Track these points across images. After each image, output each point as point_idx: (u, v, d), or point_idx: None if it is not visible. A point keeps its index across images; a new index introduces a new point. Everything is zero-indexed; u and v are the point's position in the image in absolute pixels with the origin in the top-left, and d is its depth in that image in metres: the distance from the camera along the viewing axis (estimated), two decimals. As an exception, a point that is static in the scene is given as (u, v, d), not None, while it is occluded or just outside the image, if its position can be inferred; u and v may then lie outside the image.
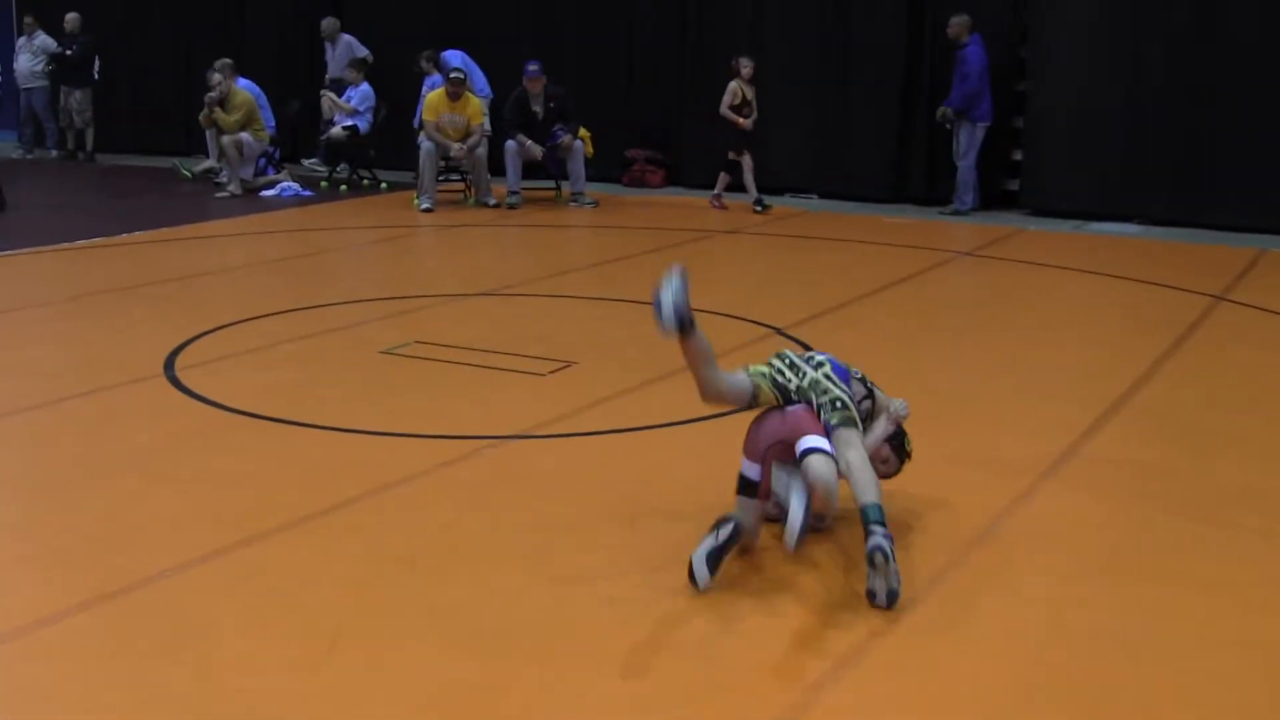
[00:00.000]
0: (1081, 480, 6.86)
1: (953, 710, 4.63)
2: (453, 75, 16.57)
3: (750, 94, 16.52)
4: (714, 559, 5.51)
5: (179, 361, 8.89)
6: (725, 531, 5.56)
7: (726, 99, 16.45)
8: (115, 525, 6.19)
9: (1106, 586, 5.62)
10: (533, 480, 6.78)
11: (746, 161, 16.54)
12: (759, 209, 16.33)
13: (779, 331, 9.92)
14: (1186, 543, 6.09)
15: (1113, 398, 8.23)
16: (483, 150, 16.73)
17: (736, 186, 16.77)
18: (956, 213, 16.29)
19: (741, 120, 16.45)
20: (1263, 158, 14.85)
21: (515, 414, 7.86)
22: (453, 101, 16.58)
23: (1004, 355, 9.52)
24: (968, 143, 16.22)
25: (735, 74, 16.46)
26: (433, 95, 16.72)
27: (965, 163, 16.31)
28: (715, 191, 16.89)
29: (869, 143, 17.35)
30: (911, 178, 17.29)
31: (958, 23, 16.04)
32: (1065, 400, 8.25)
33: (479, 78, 18.40)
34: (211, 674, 4.79)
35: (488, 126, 17.78)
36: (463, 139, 16.61)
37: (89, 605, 5.31)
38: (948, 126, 16.28)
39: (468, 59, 18.33)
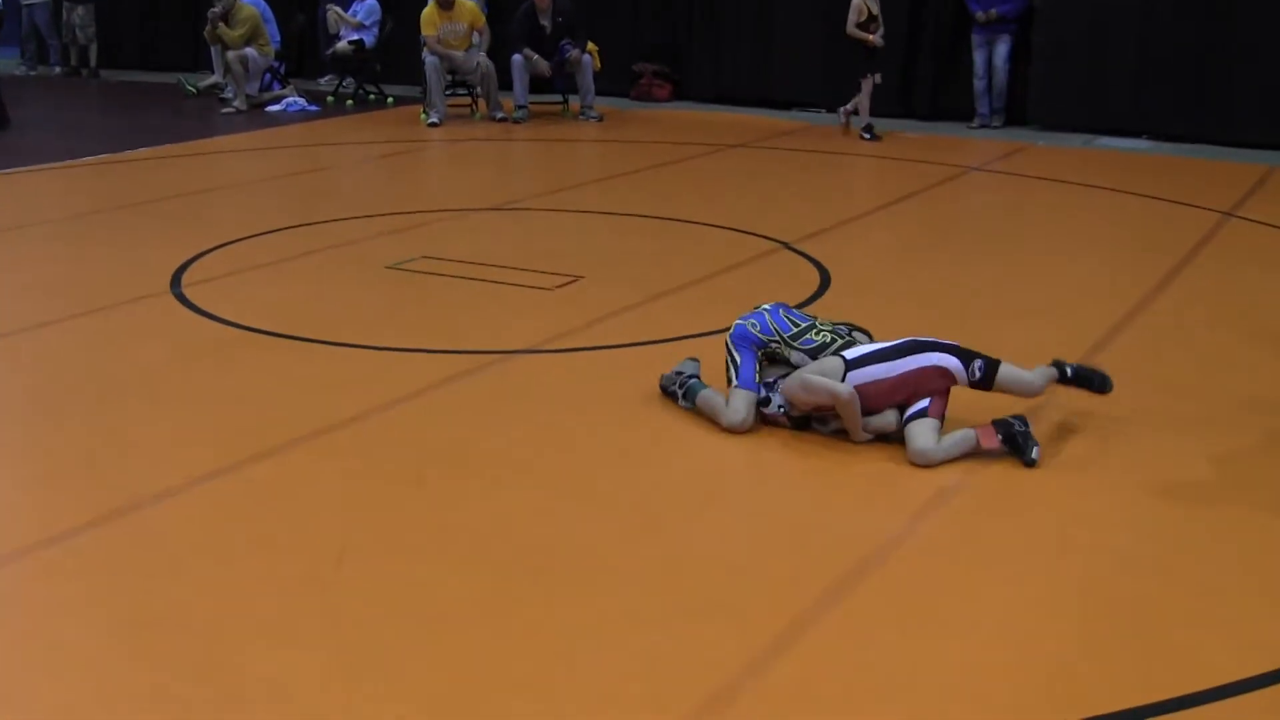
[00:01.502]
0: (1088, 395, 6.84)
1: (958, 630, 4.64)
2: None
3: (876, 8, 15.28)
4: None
5: (185, 278, 8.88)
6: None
7: (852, 16, 15.16)
8: (122, 443, 6.20)
9: (1111, 502, 5.62)
10: (540, 395, 6.78)
11: (868, 84, 15.26)
12: (866, 137, 15.26)
13: (787, 246, 9.89)
14: (1188, 456, 6.08)
15: (1119, 315, 8.21)
16: (492, 65, 16.62)
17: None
18: (986, 126, 16.24)
19: (870, 37, 15.17)
20: (1273, 74, 14.74)
21: (522, 329, 7.85)
22: (446, 10, 16.44)
23: (1011, 271, 9.49)
24: (1006, 55, 16.16)
25: None
26: (427, 10, 16.53)
27: (1004, 79, 16.27)
28: (860, 120, 15.49)
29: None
30: (919, 92, 17.18)
31: None
32: (1073, 317, 8.22)
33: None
34: (219, 591, 4.81)
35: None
36: (466, 46, 16.51)
37: (96, 524, 5.32)
38: (982, 19, 16.03)
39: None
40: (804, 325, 6.42)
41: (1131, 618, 4.69)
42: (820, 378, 6.07)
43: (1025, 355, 7.41)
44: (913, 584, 4.92)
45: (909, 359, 6.15)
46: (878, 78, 15.35)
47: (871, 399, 6.07)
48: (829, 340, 6.35)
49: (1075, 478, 5.86)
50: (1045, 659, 4.42)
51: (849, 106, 15.56)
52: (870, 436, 6.10)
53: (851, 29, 15.18)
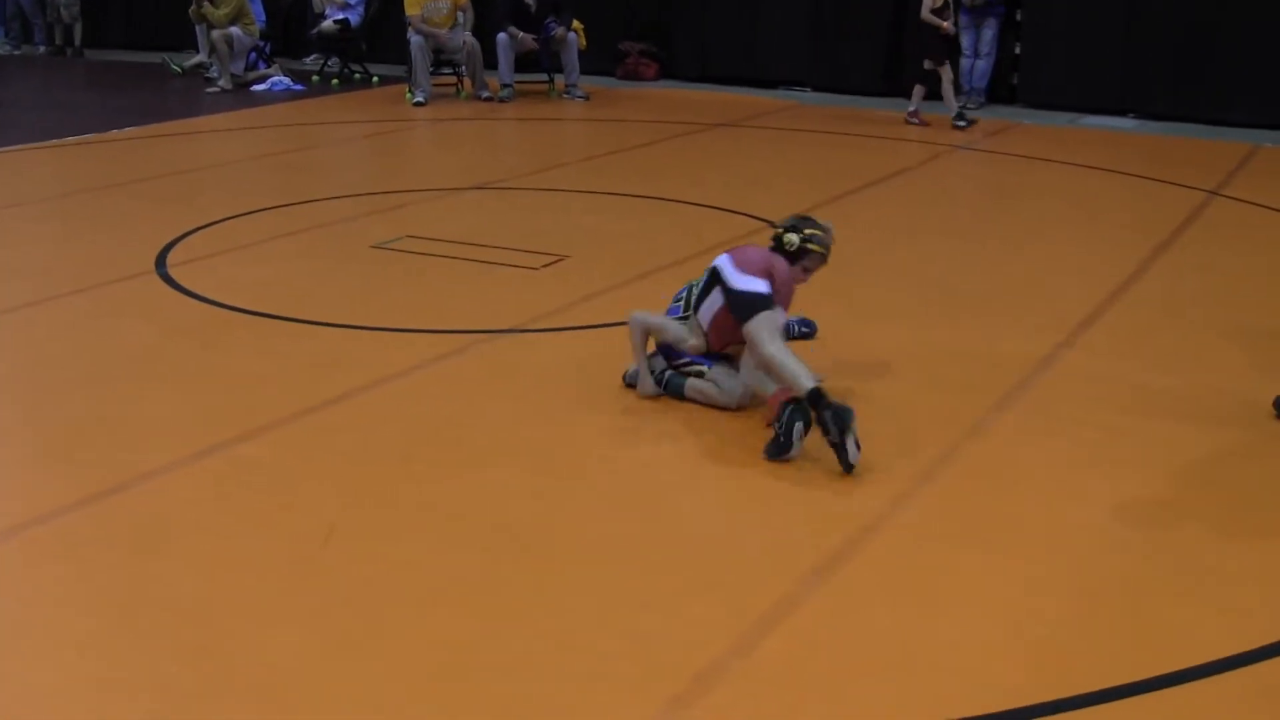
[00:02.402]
0: (1074, 374, 6.87)
1: (946, 606, 4.65)
2: None
3: None
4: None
5: (170, 258, 8.87)
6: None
7: (928, 2, 14.36)
8: (109, 423, 6.19)
9: (1099, 481, 5.64)
10: (526, 374, 6.78)
11: (946, 72, 14.54)
12: (960, 125, 14.53)
13: (772, 225, 9.84)
14: (1176, 437, 6.10)
15: (1105, 294, 8.23)
16: (477, 43, 16.59)
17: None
18: (967, 107, 16.16)
19: (945, 24, 14.39)
20: (1259, 52, 14.74)
21: (508, 308, 7.85)
22: None
23: (996, 250, 9.51)
24: (993, 36, 16.18)
25: None
26: None
27: (989, 60, 16.27)
28: (911, 107, 14.87)
29: (863, 35, 17.21)
30: (905, 71, 17.14)
31: None
32: (1059, 295, 8.24)
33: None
34: (207, 570, 4.81)
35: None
36: (450, 24, 16.47)
37: (84, 503, 5.33)
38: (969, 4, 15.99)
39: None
40: (682, 294, 6.60)
41: (1121, 596, 4.71)
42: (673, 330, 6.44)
43: (1010, 334, 7.45)
44: (900, 562, 4.94)
45: (716, 290, 6.30)
46: (948, 67, 14.58)
47: (725, 332, 6.28)
48: (683, 298, 6.58)
49: (1063, 456, 5.88)
50: (1034, 637, 4.43)
51: (912, 106, 14.85)
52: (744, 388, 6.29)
53: (926, 14, 14.43)
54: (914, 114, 14.80)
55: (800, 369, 5.77)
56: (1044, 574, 4.86)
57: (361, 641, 4.35)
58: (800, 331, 6.73)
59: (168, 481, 5.54)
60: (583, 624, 4.48)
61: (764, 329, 5.93)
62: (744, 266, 6.14)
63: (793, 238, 6.25)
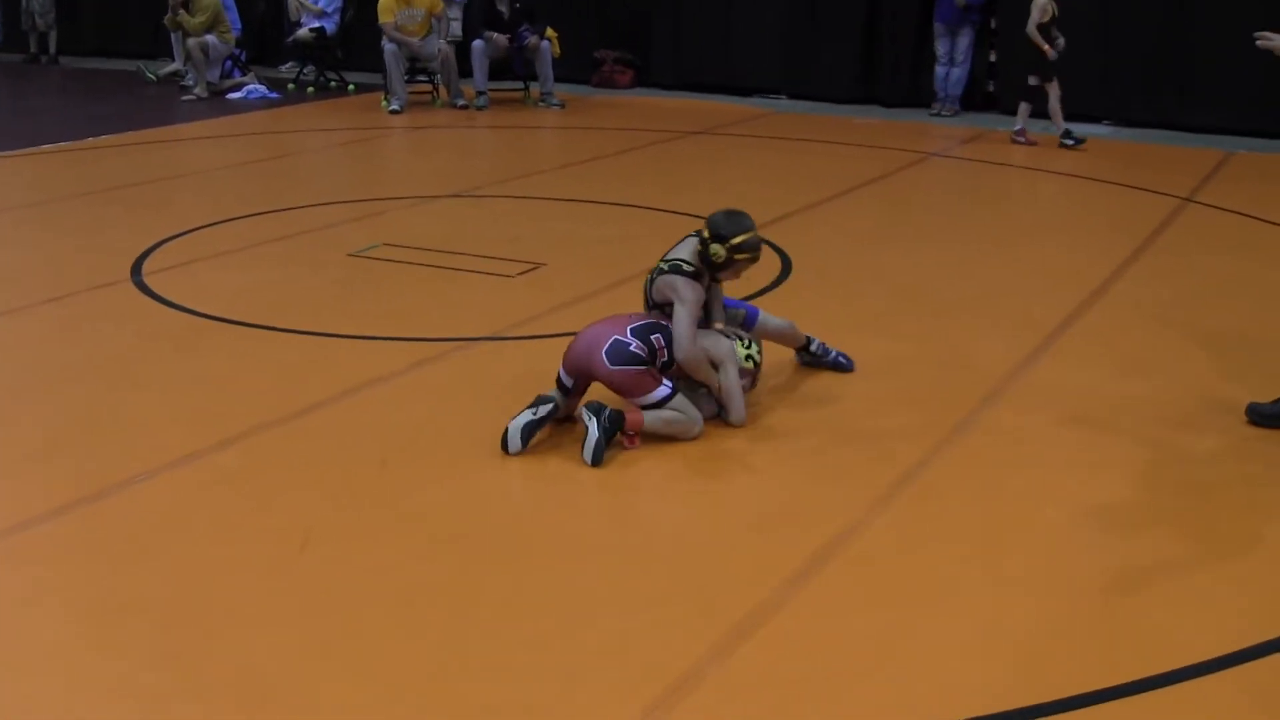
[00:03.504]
0: (1050, 379, 6.90)
1: (925, 605, 4.67)
2: None
3: (1056, 9, 13.82)
4: (528, 431, 5.87)
5: (146, 266, 8.86)
6: (543, 410, 5.93)
7: (1035, 15, 13.71)
8: (86, 431, 6.19)
9: (1078, 484, 5.66)
10: (503, 381, 6.79)
11: (1054, 89, 13.88)
12: (1069, 144, 13.90)
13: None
14: (1153, 440, 6.13)
15: (1078, 300, 8.26)
16: (452, 51, 16.61)
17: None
18: (942, 114, 16.25)
19: (1048, 48, 13.65)
20: (1232, 60, 14.76)
21: (484, 315, 7.86)
22: None
23: (973, 255, 9.54)
24: (969, 44, 16.20)
25: None
26: None
27: (965, 68, 16.32)
28: (1017, 125, 14.26)
29: (837, 43, 17.25)
30: (880, 78, 17.21)
31: None
32: (1034, 301, 8.28)
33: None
34: (185, 577, 4.82)
35: (457, 32, 17.67)
36: (424, 33, 16.48)
37: (62, 511, 5.32)
38: (962, 6, 16.00)
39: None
40: None
41: (1099, 599, 4.73)
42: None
43: (986, 339, 7.48)
44: (878, 566, 4.96)
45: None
46: (1055, 84, 13.88)
47: None
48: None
49: (1039, 461, 5.91)
50: (1014, 640, 4.45)
51: (1019, 125, 14.24)
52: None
53: (1032, 30, 13.72)
54: (1020, 132, 14.22)
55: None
56: (1021, 578, 4.88)
57: (339, 645, 4.36)
58: (838, 362, 6.89)
59: (145, 488, 5.53)
60: (560, 628, 4.49)
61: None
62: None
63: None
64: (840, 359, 6.88)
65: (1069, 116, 14.07)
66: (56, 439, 6.09)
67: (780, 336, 6.77)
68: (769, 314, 6.73)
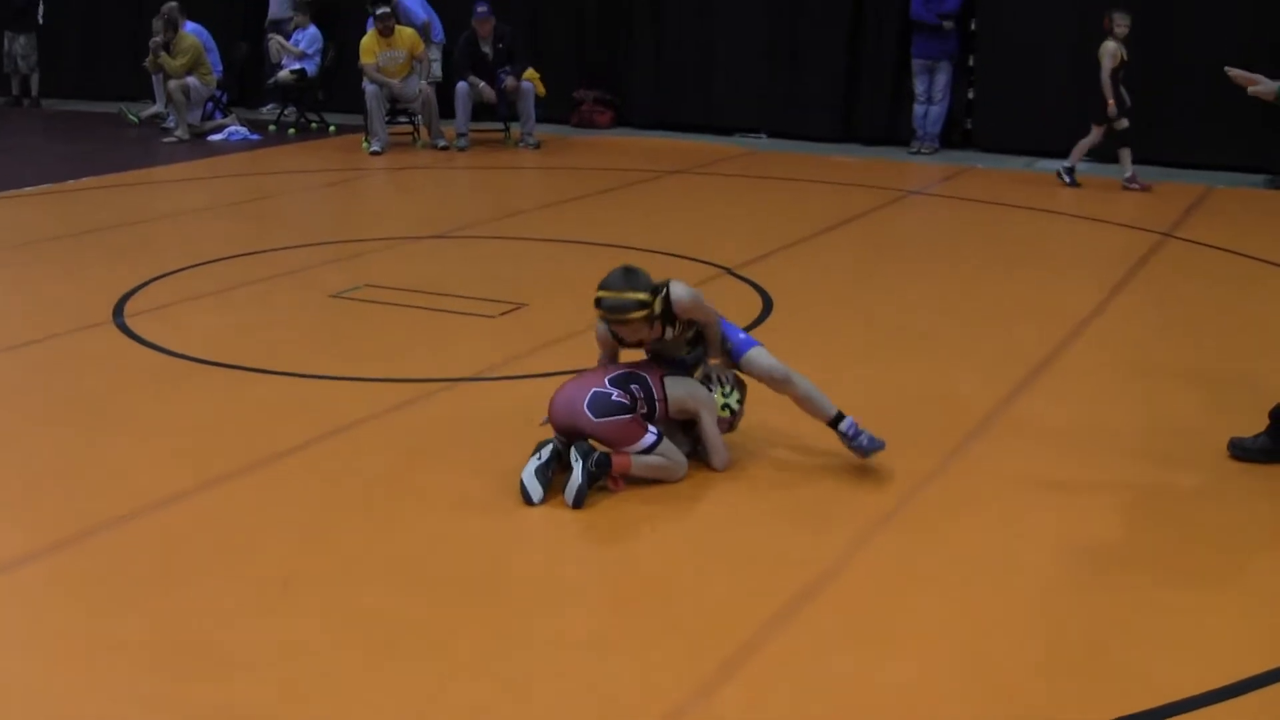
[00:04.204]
0: (1031, 416, 6.91)
1: (909, 643, 4.67)
2: (379, 12, 16.36)
3: (1126, 54, 13.63)
4: (542, 476, 5.81)
5: (128, 308, 8.85)
6: (546, 451, 5.89)
7: (1107, 63, 13.53)
8: (67, 473, 6.18)
9: (1058, 522, 5.67)
10: (485, 422, 6.78)
11: (1096, 134, 13.83)
12: (1065, 179, 13.93)
13: (729, 271, 9.94)
14: (1134, 477, 6.14)
15: (1059, 336, 8.28)
16: (433, 92, 16.65)
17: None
18: (920, 152, 16.31)
19: (1112, 101, 13.53)
20: (1210, 95, 14.82)
21: (467, 356, 7.86)
22: (386, 38, 16.44)
23: (954, 292, 9.56)
24: (946, 81, 16.26)
25: (1109, 32, 13.68)
26: (366, 38, 16.52)
27: (943, 105, 16.36)
28: (1126, 173, 13.86)
29: (816, 82, 17.30)
30: (860, 117, 17.26)
31: None
32: (1015, 337, 8.30)
33: (436, 26, 18.28)
34: (165, 619, 4.80)
35: (438, 72, 17.71)
36: (405, 74, 16.52)
37: (43, 554, 5.30)
38: (947, 26, 16.05)
39: (426, 5, 18.22)
40: None
41: (1079, 637, 4.73)
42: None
43: (967, 376, 7.49)
44: (861, 605, 4.95)
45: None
46: (1101, 132, 13.81)
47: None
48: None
49: (1020, 498, 5.91)
50: (996, 678, 4.45)
51: (1128, 172, 13.86)
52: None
53: (1106, 79, 13.55)
54: (1131, 179, 13.81)
55: None
56: (1002, 616, 4.88)
57: (321, 688, 4.34)
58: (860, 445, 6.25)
59: (124, 531, 5.52)
60: (542, 670, 4.48)
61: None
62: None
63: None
64: (864, 444, 6.13)
65: (1048, 153, 14.09)
66: (37, 481, 6.07)
67: (772, 381, 6.25)
68: (764, 352, 6.28)
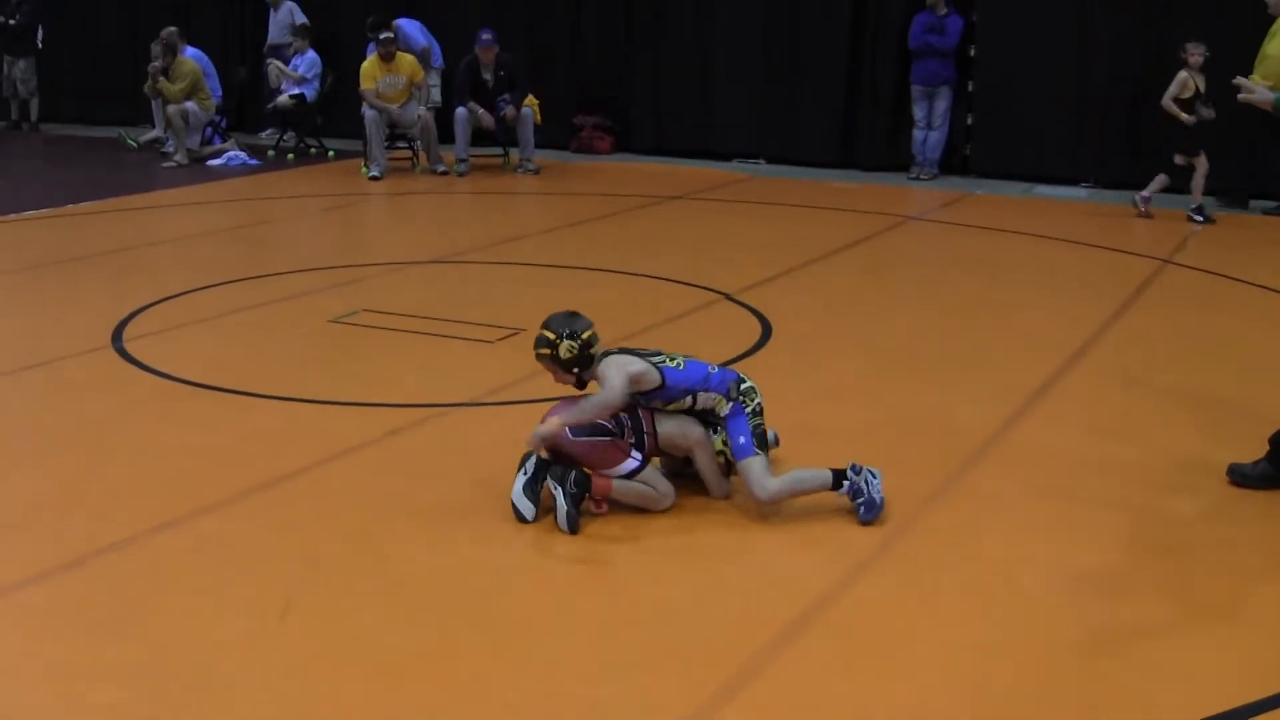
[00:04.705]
0: (1030, 442, 6.90)
1: (905, 674, 4.66)
2: (383, 37, 16.40)
3: (1202, 84, 13.53)
4: (531, 492, 5.87)
5: (127, 332, 8.85)
6: (530, 464, 5.94)
7: (1172, 89, 13.60)
8: (66, 497, 6.17)
9: (1056, 547, 5.66)
10: (483, 448, 6.78)
11: (1202, 164, 13.53)
12: (1197, 219, 13.56)
13: (728, 297, 9.94)
14: (1134, 504, 6.14)
15: (1058, 363, 8.28)
16: (432, 118, 16.67)
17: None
18: (920, 178, 16.33)
19: (1183, 116, 13.44)
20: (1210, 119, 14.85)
21: (464, 381, 7.86)
22: (387, 63, 16.47)
23: (952, 319, 9.56)
24: (946, 107, 16.29)
25: (1184, 63, 13.63)
26: (367, 63, 16.56)
27: (943, 131, 16.38)
28: (1145, 194, 13.86)
29: (816, 107, 17.32)
30: (859, 142, 17.27)
31: None
32: (1014, 364, 8.30)
33: (435, 51, 18.32)
34: (165, 644, 4.79)
35: (437, 98, 17.73)
36: (404, 100, 16.54)
37: (41, 578, 5.30)
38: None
39: (426, 31, 18.25)
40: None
41: (1077, 663, 4.72)
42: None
43: (966, 402, 7.48)
44: (858, 630, 4.95)
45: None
46: (1203, 159, 13.54)
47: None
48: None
49: (1019, 524, 5.91)
50: (992, 704, 4.45)
51: (1146, 194, 13.80)
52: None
53: (1167, 102, 13.55)
54: (1145, 199, 13.84)
55: None
56: (1001, 643, 4.87)
57: (319, 713, 4.34)
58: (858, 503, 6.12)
59: (123, 556, 5.51)
60: (540, 695, 4.47)
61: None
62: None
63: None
64: (860, 513, 5.89)
65: (1047, 179, 14.06)
66: (36, 505, 6.06)
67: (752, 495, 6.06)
68: (759, 467, 5.98)
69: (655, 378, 6.01)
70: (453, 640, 4.85)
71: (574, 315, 6.12)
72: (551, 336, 6.03)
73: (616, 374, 5.95)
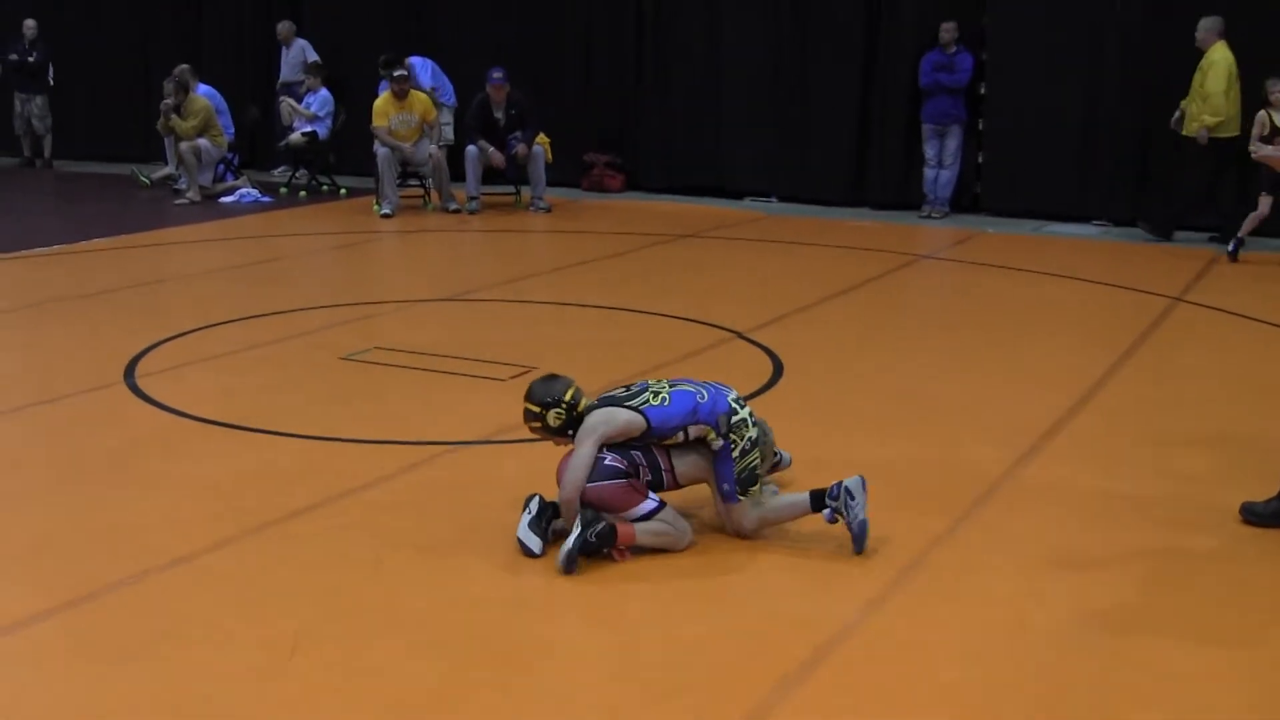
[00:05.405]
0: (1040, 482, 6.89)
1: (918, 708, 4.65)
2: (397, 74, 16.46)
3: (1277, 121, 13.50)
4: (538, 529, 5.91)
5: (139, 369, 8.87)
6: (534, 504, 5.97)
7: (1255, 130, 13.54)
8: (77, 533, 6.17)
9: (1065, 586, 5.65)
10: (494, 485, 6.78)
11: (1265, 203, 13.51)
12: (1229, 251, 13.54)
13: (739, 335, 9.94)
14: (1144, 543, 6.13)
15: (1070, 401, 8.28)
16: (443, 155, 16.70)
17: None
18: (931, 216, 16.33)
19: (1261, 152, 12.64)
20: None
21: (476, 419, 7.86)
22: (400, 100, 16.53)
23: (964, 357, 9.56)
24: (957, 146, 16.32)
25: (1266, 101, 13.64)
26: (380, 100, 16.63)
27: (954, 169, 16.41)
28: (1240, 234, 13.62)
29: (828, 145, 17.36)
30: (870, 181, 17.30)
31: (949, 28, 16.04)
32: (1024, 403, 8.29)
33: (447, 89, 18.37)
34: (175, 681, 4.79)
35: (449, 135, 17.77)
36: (416, 138, 16.59)
37: (52, 613, 5.30)
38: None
39: (438, 70, 18.31)
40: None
41: (1087, 701, 4.71)
42: None
43: (976, 442, 7.48)
44: (869, 669, 4.94)
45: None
46: (1265, 200, 13.50)
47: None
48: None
49: (1029, 563, 5.89)
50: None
51: (1241, 234, 13.57)
52: None
53: (1255, 145, 12.73)
54: (1239, 243, 13.58)
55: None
56: (1014, 681, 4.86)
57: (330, 753, 4.34)
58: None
59: (134, 591, 5.51)
60: (552, 734, 4.47)
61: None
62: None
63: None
64: (854, 531, 5.93)
65: (1057, 217, 14.04)
66: (47, 541, 6.07)
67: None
68: (745, 510, 6.08)
69: (640, 424, 5.99)
70: (463, 676, 4.84)
71: (551, 379, 6.16)
72: (537, 409, 6.07)
73: (588, 437, 5.97)
